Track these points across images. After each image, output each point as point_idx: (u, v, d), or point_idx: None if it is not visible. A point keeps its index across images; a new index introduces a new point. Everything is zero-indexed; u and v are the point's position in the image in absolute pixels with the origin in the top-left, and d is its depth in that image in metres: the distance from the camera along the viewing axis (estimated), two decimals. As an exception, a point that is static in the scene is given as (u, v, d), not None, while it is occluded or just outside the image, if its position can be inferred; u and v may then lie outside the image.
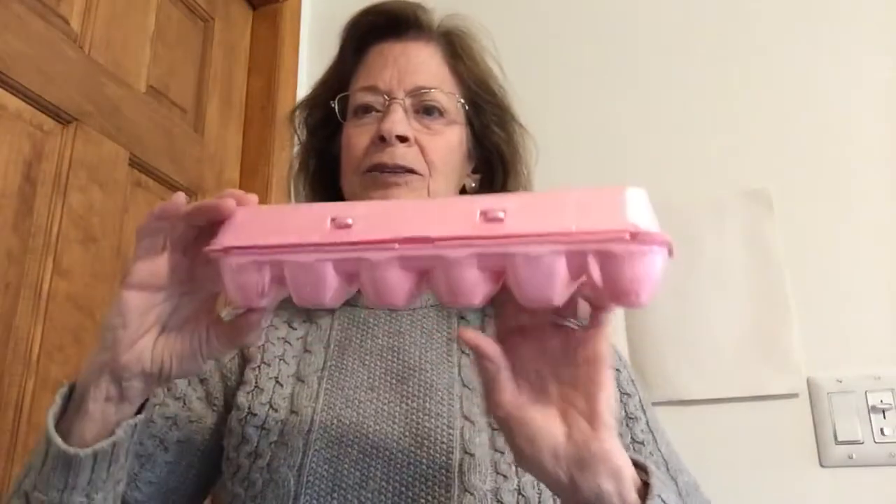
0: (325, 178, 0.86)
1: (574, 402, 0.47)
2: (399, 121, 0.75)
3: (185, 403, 0.74)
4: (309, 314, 0.79)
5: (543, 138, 0.89)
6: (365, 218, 0.48)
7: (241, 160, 1.44)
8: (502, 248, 0.45)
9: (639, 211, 0.44)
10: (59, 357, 0.96)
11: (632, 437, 0.71)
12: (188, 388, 0.75)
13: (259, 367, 0.73)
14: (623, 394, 0.74)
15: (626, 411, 0.73)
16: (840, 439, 1.07)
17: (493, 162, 0.84)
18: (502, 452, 0.64)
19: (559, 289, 0.45)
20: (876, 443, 1.06)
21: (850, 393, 1.08)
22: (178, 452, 0.71)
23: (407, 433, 0.66)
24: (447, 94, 0.79)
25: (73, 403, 0.53)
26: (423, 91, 0.78)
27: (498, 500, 0.62)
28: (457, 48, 0.82)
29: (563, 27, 1.42)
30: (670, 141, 1.28)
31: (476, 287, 0.46)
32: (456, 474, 0.63)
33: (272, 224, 0.49)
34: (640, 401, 0.75)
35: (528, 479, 0.63)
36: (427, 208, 0.48)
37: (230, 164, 1.41)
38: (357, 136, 0.78)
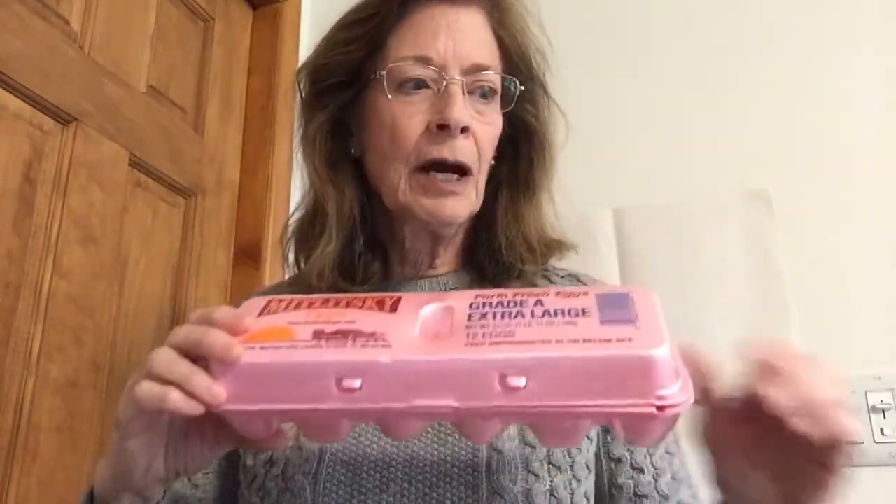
0: (343, 151, 0.76)
1: (785, 480, 0.47)
2: (464, 109, 0.67)
3: None
4: None
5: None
6: (373, 380, 0.44)
7: (241, 160, 1.44)
8: (526, 415, 0.45)
9: (664, 374, 0.42)
10: (59, 357, 0.96)
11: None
12: None
13: None
14: None
15: None
16: (840, 439, 1.07)
17: (519, 139, 0.77)
18: (533, 447, 0.61)
19: (581, 438, 0.48)
20: (876, 443, 1.06)
21: (850, 393, 1.08)
22: (206, 484, 0.70)
23: (430, 429, 0.63)
24: (501, 75, 0.72)
25: None
26: (480, 70, 0.69)
27: (529, 503, 0.59)
28: (505, 17, 0.74)
29: (563, 27, 1.42)
30: (671, 141, 1.28)
31: (493, 430, 0.48)
32: (484, 474, 0.59)
33: (274, 383, 0.46)
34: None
35: (560, 479, 0.60)
36: (439, 369, 0.44)
37: (230, 164, 1.41)
38: (407, 118, 0.68)
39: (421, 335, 0.47)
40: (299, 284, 0.74)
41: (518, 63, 0.75)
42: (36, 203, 0.97)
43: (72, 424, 0.97)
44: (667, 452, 0.68)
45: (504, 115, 0.75)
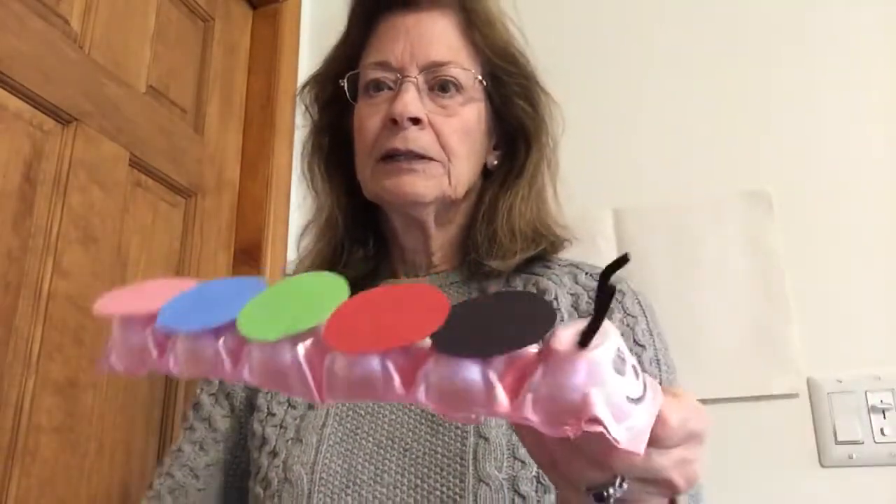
0: (340, 157, 0.82)
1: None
2: (411, 101, 0.71)
3: (210, 424, 0.74)
4: None
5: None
6: None
7: (241, 160, 1.44)
8: None
9: None
10: (59, 357, 0.96)
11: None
12: (214, 407, 0.75)
13: None
14: (637, 345, 0.67)
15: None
16: (840, 439, 1.07)
17: (516, 136, 0.79)
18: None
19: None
20: (876, 443, 1.06)
21: (850, 393, 1.08)
22: (208, 476, 0.72)
23: (423, 419, 0.64)
24: (464, 70, 0.74)
25: None
26: (437, 66, 0.73)
27: (515, 490, 0.59)
28: (473, 17, 0.76)
29: (563, 26, 1.42)
30: (670, 141, 1.28)
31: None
32: (470, 461, 0.60)
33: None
34: (656, 354, 0.67)
35: None
36: None
37: (230, 164, 1.41)
38: (369, 118, 0.74)
39: None
40: None
41: (496, 60, 0.77)
42: (36, 203, 0.97)
43: (72, 424, 0.97)
44: None
45: (495, 112, 0.79)
